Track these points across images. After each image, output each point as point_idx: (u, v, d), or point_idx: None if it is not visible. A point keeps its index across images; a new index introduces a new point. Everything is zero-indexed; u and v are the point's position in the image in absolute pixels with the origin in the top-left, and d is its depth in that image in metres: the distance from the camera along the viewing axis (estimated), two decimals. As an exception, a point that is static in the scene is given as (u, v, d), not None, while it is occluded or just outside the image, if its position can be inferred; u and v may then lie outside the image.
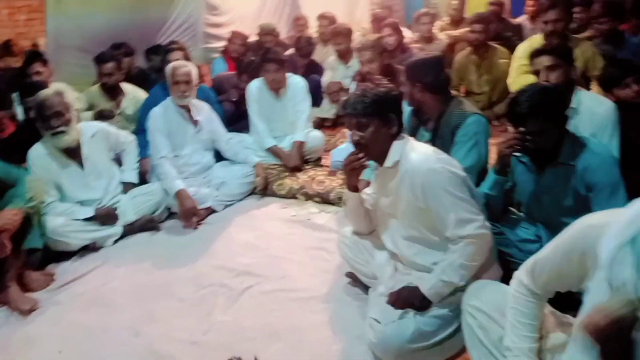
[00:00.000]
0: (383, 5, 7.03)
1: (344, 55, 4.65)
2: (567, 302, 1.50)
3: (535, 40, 3.37)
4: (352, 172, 2.05)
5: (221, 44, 5.41)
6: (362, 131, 1.91)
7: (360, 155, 1.98)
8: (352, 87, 3.83)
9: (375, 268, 2.16)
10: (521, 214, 2.31)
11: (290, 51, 5.04)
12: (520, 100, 1.96)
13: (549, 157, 2.01)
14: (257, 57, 3.93)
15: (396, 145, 1.93)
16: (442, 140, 2.56)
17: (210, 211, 3.25)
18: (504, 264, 2.03)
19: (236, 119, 4.10)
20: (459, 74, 4.31)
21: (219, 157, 3.56)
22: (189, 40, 5.39)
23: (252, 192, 3.48)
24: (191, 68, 3.32)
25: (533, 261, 1.42)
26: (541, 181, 2.08)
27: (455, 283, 1.83)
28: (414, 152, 1.90)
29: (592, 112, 2.48)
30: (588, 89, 3.17)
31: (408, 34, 5.70)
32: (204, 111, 3.46)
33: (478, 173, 2.45)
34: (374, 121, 1.89)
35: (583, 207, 1.90)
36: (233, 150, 3.51)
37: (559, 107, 1.97)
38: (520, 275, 1.46)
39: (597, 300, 1.18)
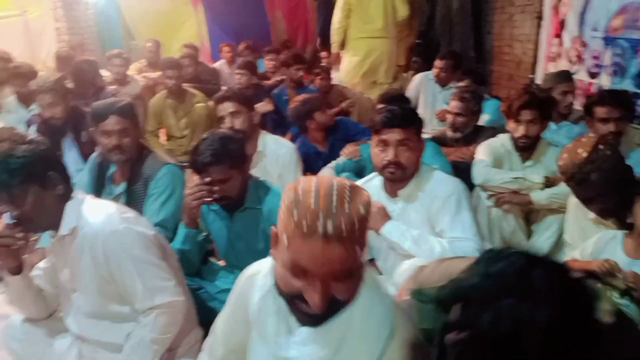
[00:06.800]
0: (71, 44, 6.35)
1: (25, 98, 4.00)
2: None
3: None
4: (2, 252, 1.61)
5: None
6: (20, 205, 1.51)
7: (11, 232, 1.56)
8: (32, 130, 3.26)
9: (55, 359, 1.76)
10: (220, 263, 2.26)
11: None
12: (201, 149, 1.91)
13: (236, 203, 2.00)
14: None
15: (70, 208, 1.60)
16: (136, 194, 2.35)
17: None
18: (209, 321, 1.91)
19: None
20: (156, 117, 4.14)
21: None
22: None
23: None
24: None
25: (211, 338, 1.30)
26: (233, 227, 2.06)
27: (150, 362, 1.61)
28: (93, 213, 1.61)
29: (277, 154, 2.66)
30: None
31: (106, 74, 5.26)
32: None
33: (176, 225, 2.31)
34: (31, 188, 1.51)
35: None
36: None
37: (240, 153, 1.99)
38: (202, 357, 1.33)
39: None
